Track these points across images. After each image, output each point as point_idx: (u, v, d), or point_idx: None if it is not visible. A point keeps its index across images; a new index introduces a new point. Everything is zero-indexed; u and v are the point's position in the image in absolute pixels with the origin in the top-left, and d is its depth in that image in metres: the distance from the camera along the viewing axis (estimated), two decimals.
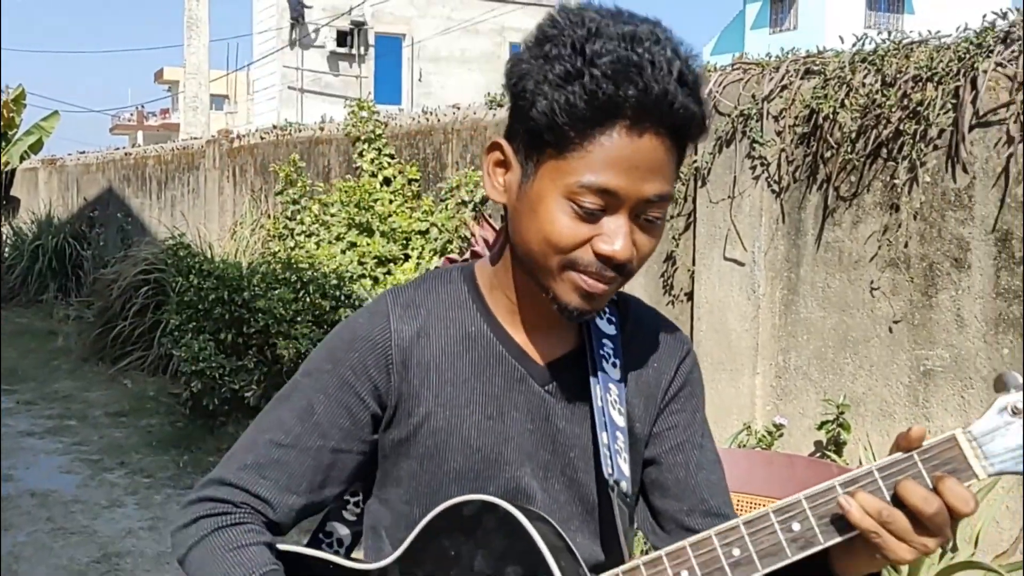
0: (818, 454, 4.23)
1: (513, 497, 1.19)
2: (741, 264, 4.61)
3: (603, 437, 1.21)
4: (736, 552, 1.06)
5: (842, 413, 4.08)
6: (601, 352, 1.26)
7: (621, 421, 1.24)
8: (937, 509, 1.01)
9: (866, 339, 4.13)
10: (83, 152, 15.26)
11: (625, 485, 1.22)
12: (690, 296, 4.90)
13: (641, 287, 5.17)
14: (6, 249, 13.63)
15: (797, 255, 4.40)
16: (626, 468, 1.23)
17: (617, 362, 1.27)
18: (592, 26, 1.09)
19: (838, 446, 4.13)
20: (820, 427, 4.17)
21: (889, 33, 4.15)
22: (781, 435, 4.32)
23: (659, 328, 1.35)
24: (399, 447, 1.25)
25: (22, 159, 17.50)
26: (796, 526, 1.05)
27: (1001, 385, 1.03)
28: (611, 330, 1.29)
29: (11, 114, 17.77)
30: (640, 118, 1.08)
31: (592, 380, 1.24)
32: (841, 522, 1.05)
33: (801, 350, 4.40)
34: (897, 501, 1.03)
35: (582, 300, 1.15)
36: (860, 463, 3.99)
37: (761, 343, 4.56)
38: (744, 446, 4.34)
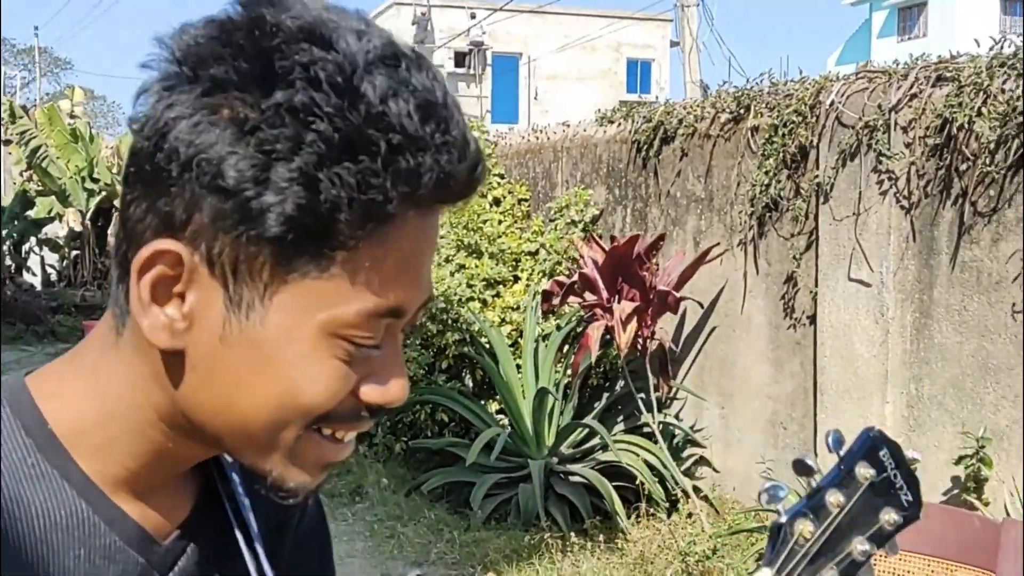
0: (955, 491, 3.93)
1: None
2: (868, 285, 4.34)
3: None
4: None
5: (982, 447, 3.78)
6: (236, 495, 0.89)
7: None
8: None
9: (1009, 367, 3.81)
10: None
11: None
12: (813, 319, 4.64)
13: (760, 310, 4.92)
14: None
15: (930, 276, 4.11)
16: None
17: (246, 502, 0.89)
18: (328, 33, 0.67)
19: (978, 483, 3.81)
20: (958, 462, 3.87)
21: None
22: (914, 470, 4.01)
23: None
24: None
25: None
26: None
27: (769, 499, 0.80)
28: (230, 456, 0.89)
29: None
30: (441, 194, 0.69)
31: (244, 549, 0.86)
32: None
33: (936, 378, 4.10)
34: None
35: (321, 473, 0.77)
36: (1004, 506, 3.67)
37: (891, 370, 4.27)
38: None
